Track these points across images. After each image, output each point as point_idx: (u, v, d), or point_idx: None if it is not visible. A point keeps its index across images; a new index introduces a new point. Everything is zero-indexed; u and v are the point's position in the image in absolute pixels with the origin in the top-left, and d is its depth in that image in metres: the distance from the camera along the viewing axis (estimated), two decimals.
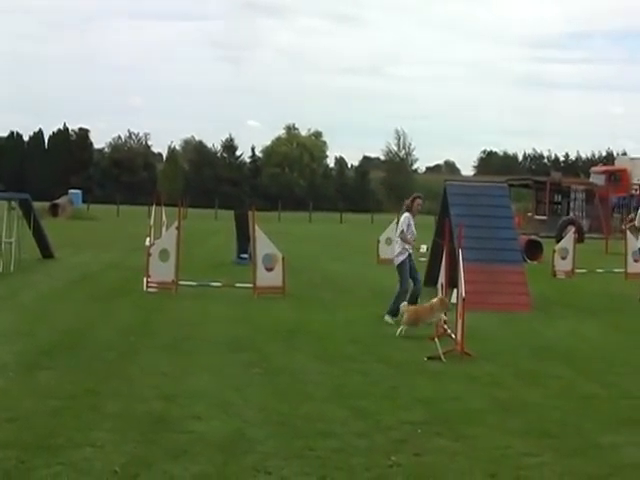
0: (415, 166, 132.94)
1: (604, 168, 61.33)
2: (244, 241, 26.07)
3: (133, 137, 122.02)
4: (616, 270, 26.65)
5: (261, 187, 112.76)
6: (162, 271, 19.15)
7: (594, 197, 51.08)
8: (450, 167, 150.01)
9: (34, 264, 24.58)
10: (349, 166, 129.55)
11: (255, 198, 76.08)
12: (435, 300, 14.36)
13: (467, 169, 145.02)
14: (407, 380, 11.05)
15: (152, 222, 26.36)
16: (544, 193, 53.48)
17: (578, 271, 26.49)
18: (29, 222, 25.47)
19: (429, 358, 12.37)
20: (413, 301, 15.63)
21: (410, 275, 16.04)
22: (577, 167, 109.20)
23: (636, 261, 25.72)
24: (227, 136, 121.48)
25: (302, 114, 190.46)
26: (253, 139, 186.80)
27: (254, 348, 12.90)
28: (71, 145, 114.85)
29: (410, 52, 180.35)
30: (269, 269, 19.12)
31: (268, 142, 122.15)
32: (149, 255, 19.33)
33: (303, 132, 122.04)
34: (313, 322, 15.59)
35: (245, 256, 25.79)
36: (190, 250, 26.44)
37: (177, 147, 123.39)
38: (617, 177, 54.68)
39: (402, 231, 15.97)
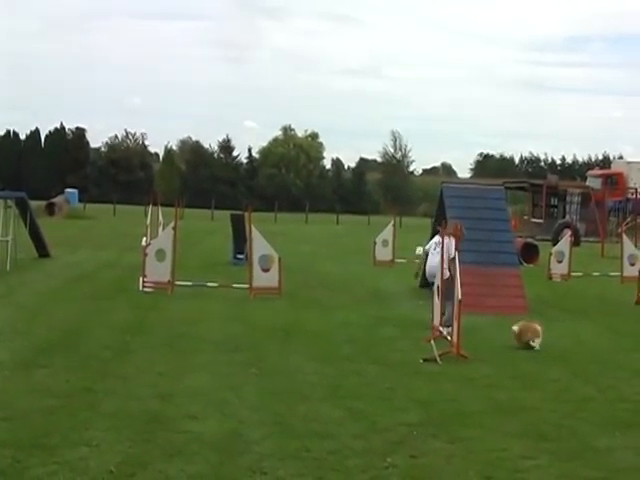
0: (412, 168, 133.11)
1: (600, 172, 61.35)
2: (240, 241, 26.06)
3: (130, 137, 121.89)
4: (612, 274, 26.64)
5: (258, 188, 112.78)
6: (158, 271, 19.13)
7: (590, 200, 51.03)
8: (447, 169, 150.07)
9: (30, 263, 24.55)
10: (346, 167, 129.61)
11: (251, 198, 76.24)
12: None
13: (464, 172, 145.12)
14: (403, 381, 11.06)
15: (149, 222, 26.29)
16: (540, 196, 53.45)
17: (574, 274, 26.50)
18: (25, 221, 25.43)
19: (425, 360, 12.37)
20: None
21: None
22: (574, 170, 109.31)
23: (632, 265, 25.71)
24: (224, 136, 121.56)
25: (299, 115, 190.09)
26: (250, 140, 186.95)
27: (250, 348, 12.90)
28: (68, 144, 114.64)
29: (408, 54, 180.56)
30: (265, 270, 19.12)
31: (265, 143, 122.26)
32: (145, 255, 19.31)
33: (300, 133, 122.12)
34: (309, 323, 15.60)
35: (241, 256, 25.78)
36: (186, 250, 26.46)
37: (174, 147, 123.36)
38: (613, 181, 54.68)
39: None
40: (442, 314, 14.13)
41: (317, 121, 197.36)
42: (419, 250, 23.05)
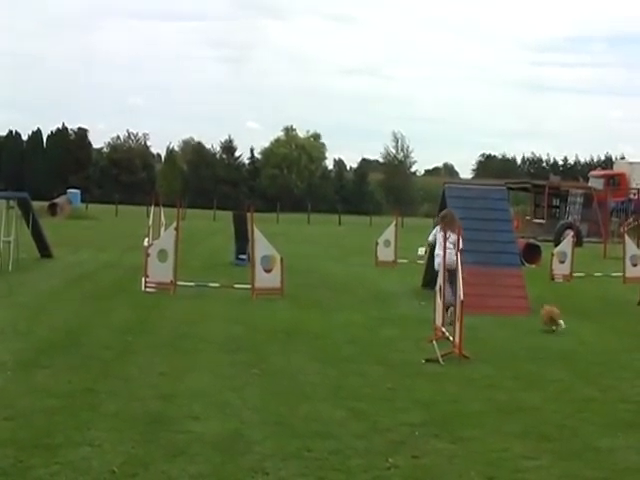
0: (414, 169, 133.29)
1: (603, 172, 61.32)
2: (243, 242, 26.07)
3: (132, 137, 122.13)
4: (614, 274, 26.63)
5: (260, 188, 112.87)
6: (160, 271, 19.14)
7: (592, 201, 51.01)
8: (449, 170, 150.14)
9: (32, 263, 24.55)
10: (348, 168, 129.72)
11: (254, 199, 76.26)
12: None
13: (466, 172, 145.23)
14: (405, 382, 11.05)
15: (151, 222, 26.33)
16: (543, 197, 53.45)
17: (576, 275, 26.49)
18: (28, 221, 25.45)
19: (427, 360, 12.37)
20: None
21: None
22: (576, 171, 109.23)
23: (634, 265, 25.70)
24: (226, 137, 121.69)
25: (301, 115, 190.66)
26: (252, 140, 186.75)
27: (252, 349, 12.90)
28: (70, 145, 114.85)
29: (410, 53, 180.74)
30: (267, 270, 19.11)
31: (267, 143, 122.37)
32: (147, 255, 19.32)
33: (302, 134, 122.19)
34: (311, 323, 15.60)
35: (244, 257, 25.79)
36: (188, 251, 26.45)
37: (176, 148, 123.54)
38: (615, 181, 54.63)
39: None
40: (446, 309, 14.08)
41: (319, 121, 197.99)
42: (421, 251, 23.07)
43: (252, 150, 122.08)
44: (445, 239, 15.58)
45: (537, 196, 54.85)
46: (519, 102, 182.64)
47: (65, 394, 9.64)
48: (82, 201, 72.68)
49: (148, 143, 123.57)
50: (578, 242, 34.86)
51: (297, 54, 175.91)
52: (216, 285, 19.78)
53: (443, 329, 13.78)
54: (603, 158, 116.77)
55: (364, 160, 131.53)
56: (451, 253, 15.47)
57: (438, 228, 17.39)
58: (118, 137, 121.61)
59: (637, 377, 12.04)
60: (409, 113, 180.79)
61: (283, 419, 8.99)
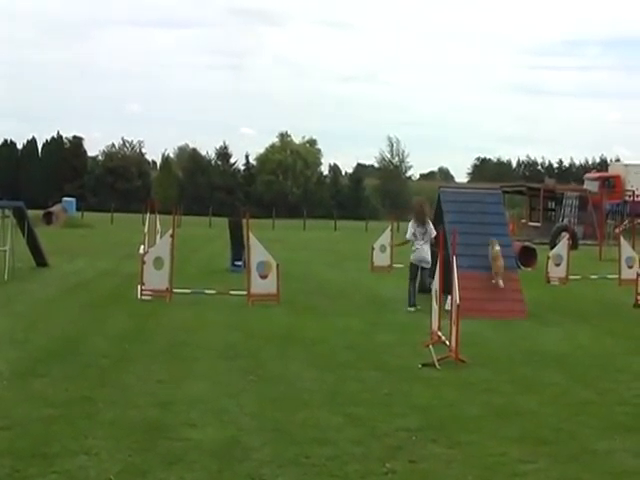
0: (409, 173, 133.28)
1: (598, 175, 61.40)
2: (238, 248, 26.07)
3: (127, 145, 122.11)
4: (610, 276, 26.65)
5: (255, 194, 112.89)
6: (156, 279, 19.13)
7: (588, 204, 51.11)
8: (444, 174, 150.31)
9: (28, 272, 24.54)
10: (343, 173, 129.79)
11: (249, 205, 76.21)
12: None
13: (461, 176, 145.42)
14: (402, 387, 11.05)
15: (146, 230, 26.31)
16: (538, 200, 53.59)
17: (572, 278, 26.49)
18: (23, 230, 25.43)
19: (424, 365, 12.37)
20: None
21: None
22: (571, 174, 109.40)
23: (630, 267, 25.71)
24: (221, 143, 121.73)
25: (296, 121, 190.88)
26: (247, 147, 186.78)
27: (249, 355, 12.90)
28: (65, 153, 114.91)
29: (404, 59, 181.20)
30: (263, 276, 19.11)
31: (262, 150, 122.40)
32: (143, 263, 19.31)
33: (297, 140, 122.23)
34: (307, 329, 15.59)
35: (239, 263, 25.79)
36: (184, 257, 26.46)
37: (171, 155, 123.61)
38: (611, 184, 54.72)
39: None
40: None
41: (314, 127, 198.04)
42: None
43: (247, 156, 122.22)
44: (416, 233, 19.22)
45: (532, 199, 54.98)
46: (514, 105, 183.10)
47: (62, 403, 9.64)
48: (78, 209, 72.76)
49: (143, 150, 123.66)
50: (574, 245, 34.86)
51: (292, 60, 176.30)
52: (212, 292, 19.77)
53: (439, 333, 13.78)
54: (598, 160, 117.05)
55: (359, 165, 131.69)
56: (423, 249, 19.12)
57: (412, 222, 19.53)
58: (113, 145, 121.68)
59: (634, 380, 12.05)
60: (404, 118, 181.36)
61: (280, 425, 8.99)
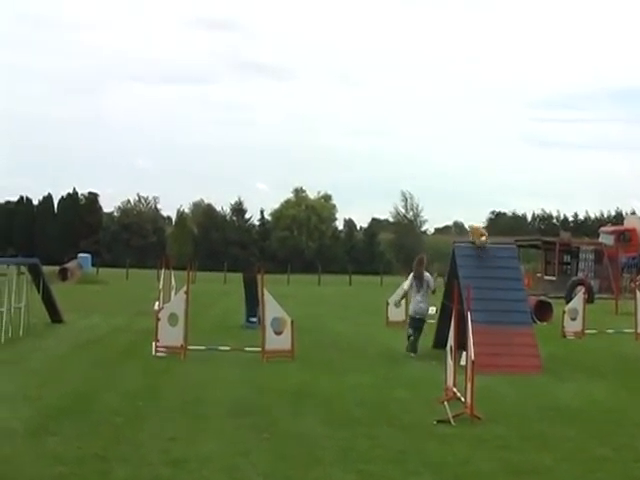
0: (424, 227, 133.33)
1: (613, 228, 61.18)
2: (253, 304, 26.06)
3: (142, 201, 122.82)
4: (626, 330, 26.52)
5: (270, 250, 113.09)
6: (171, 335, 19.12)
7: (603, 257, 50.94)
8: (459, 228, 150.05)
9: (43, 328, 24.60)
10: (358, 228, 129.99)
11: (264, 261, 76.32)
12: None
13: None
14: (416, 444, 10.97)
15: (161, 286, 26.37)
16: (553, 253, 53.41)
17: (588, 332, 26.36)
18: (38, 287, 25.54)
19: (438, 421, 12.29)
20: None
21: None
22: (586, 227, 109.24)
23: None
24: (236, 199, 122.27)
25: (310, 176, 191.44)
26: (262, 202, 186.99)
27: (262, 412, 12.84)
28: (80, 209, 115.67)
29: (418, 113, 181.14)
30: (278, 333, 19.08)
31: (277, 205, 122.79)
32: (158, 319, 19.32)
33: (312, 195, 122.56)
34: (321, 385, 15.53)
35: (254, 320, 25.77)
36: (199, 314, 26.46)
37: (186, 210, 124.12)
38: (626, 237, 54.50)
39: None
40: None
41: (328, 181, 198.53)
42: (432, 310, 23.03)
43: (262, 212, 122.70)
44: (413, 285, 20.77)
45: (548, 253, 54.77)
46: (527, 158, 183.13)
47: (75, 461, 9.61)
48: (93, 265, 73.00)
49: (158, 206, 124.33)
50: (589, 298, 34.73)
51: (304, 115, 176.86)
52: (227, 348, 19.74)
53: (454, 389, 13.71)
54: (613, 213, 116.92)
55: (374, 220, 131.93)
56: (420, 302, 20.58)
57: (411, 276, 20.99)
58: (128, 201, 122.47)
59: None
60: (418, 171, 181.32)
61: None
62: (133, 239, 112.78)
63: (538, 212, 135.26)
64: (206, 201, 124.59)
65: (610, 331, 27.26)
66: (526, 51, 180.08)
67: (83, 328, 25.23)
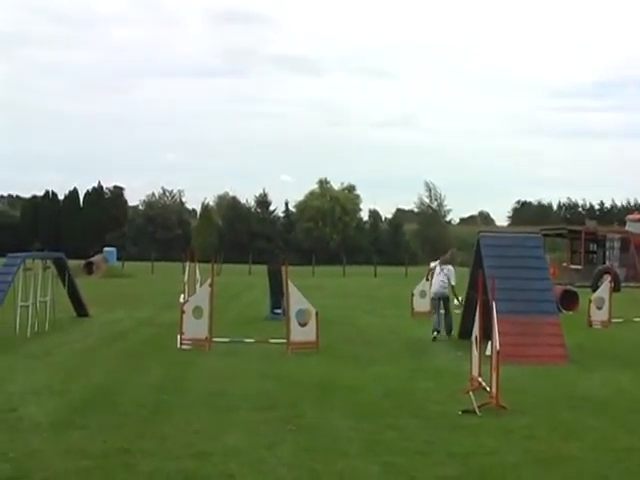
0: (449, 217, 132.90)
1: (639, 216, 60.88)
2: (278, 296, 26.07)
3: (167, 194, 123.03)
4: None
5: (295, 242, 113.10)
6: (196, 328, 19.15)
7: (630, 245, 50.60)
8: (484, 218, 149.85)
9: (69, 322, 24.71)
10: (383, 219, 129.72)
11: (289, 253, 76.37)
12: None
13: (501, 219, 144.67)
14: (441, 435, 10.93)
15: (186, 279, 26.42)
16: (579, 242, 53.14)
17: (614, 321, 26.24)
18: (64, 281, 25.64)
19: (464, 412, 12.25)
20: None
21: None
22: (612, 215, 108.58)
23: None
24: (260, 191, 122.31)
25: (335, 168, 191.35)
26: (286, 194, 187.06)
27: (287, 404, 12.83)
28: (106, 203, 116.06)
29: (442, 104, 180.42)
30: (302, 324, 19.07)
31: (301, 196, 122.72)
32: (183, 312, 19.35)
33: (336, 186, 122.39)
34: (346, 377, 15.49)
35: (279, 311, 25.78)
36: (224, 306, 26.48)
37: (211, 203, 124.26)
38: None
39: None
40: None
41: (353, 173, 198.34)
42: (456, 301, 22.99)
43: (287, 203, 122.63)
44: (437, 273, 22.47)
45: (573, 242, 54.50)
46: (553, 148, 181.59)
47: (100, 454, 9.63)
48: (118, 259, 73.23)
49: (183, 199, 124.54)
50: (616, 287, 34.52)
51: (329, 107, 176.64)
52: (251, 340, 19.76)
53: (480, 379, 13.65)
54: None
55: (399, 210, 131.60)
56: (442, 283, 22.27)
57: (438, 262, 22.90)
58: (153, 194, 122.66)
59: None
60: (442, 162, 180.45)
61: (318, 476, 8.91)
62: (158, 232, 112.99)
63: (564, 201, 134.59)
64: (231, 194, 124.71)
65: (637, 320, 27.15)
66: (550, 41, 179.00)
67: (108, 322, 25.32)
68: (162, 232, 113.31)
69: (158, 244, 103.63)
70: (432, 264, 23.75)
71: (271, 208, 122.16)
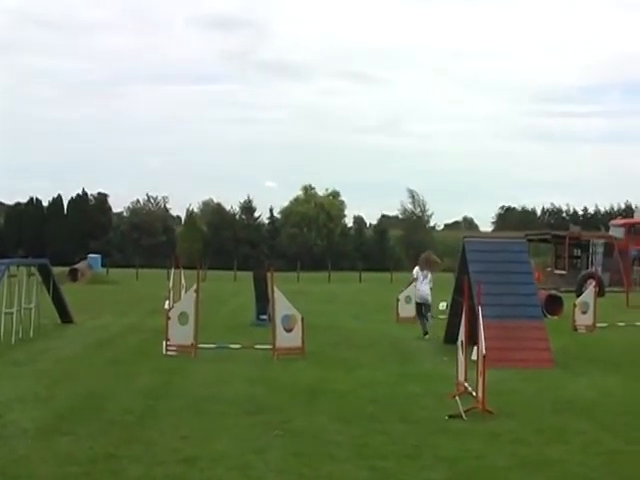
0: (433, 223, 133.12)
1: (623, 221, 61.08)
2: (263, 302, 26.07)
3: (152, 200, 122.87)
4: (637, 323, 26.48)
5: (280, 248, 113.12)
6: (181, 334, 19.11)
7: (614, 250, 50.78)
8: (469, 223, 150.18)
9: (53, 329, 24.64)
10: (368, 225, 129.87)
11: (274, 259, 76.38)
12: None
13: (486, 225, 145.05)
14: (429, 439, 10.95)
15: (171, 285, 26.39)
16: (563, 247, 53.32)
17: (599, 325, 26.31)
18: (48, 287, 25.57)
19: (450, 416, 12.27)
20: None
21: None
22: (596, 220, 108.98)
23: None
24: (245, 197, 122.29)
25: (319, 174, 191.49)
26: (271, 200, 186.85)
27: (274, 409, 12.82)
28: (90, 210, 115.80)
29: (425, 109, 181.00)
30: (288, 330, 19.07)
31: (286, 203, 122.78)
32: (168, 318, 19.31)
33: (320, 192, 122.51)
34: (333, 382, 15.50)
35: (264, 317, 25.77)
36: (209, 312, 26.44)
37: (196, 209, 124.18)
38: (636, 229, 54.43)
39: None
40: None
41: (338, 179, 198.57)
42: (442, 306, 23.05)
43: (271, 210, 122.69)
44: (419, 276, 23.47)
45: (558, 247, 54.67)
46: (536, 153, 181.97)
47: (87, 460, 9.60)
48: (103, 265, 73.12)
49: (168, 206, 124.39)
50: (600, 292, 34.61)
51: (313, 112, 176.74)
52: (237, 346, 19.73)
53: (466, 384, 13.68)
54: (623, 207, 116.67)
55: (383, 216, 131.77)
56: (424, 288, 23.35)
57: (417, 268, 23.83)
58: (138, 201, 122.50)
59: None
60: (427, 167, 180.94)
61: None
62: (143, 239, 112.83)
63: (547, 206, 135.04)
64: (215, 200, 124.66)
65: (621, 324, 27.20)
66: (534, 45, 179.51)
67: (93, 328, 25.26)
68: (147, 239, 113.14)
69: (143, 250, 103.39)
70: (414, 273, 24.22)
71: (256, 214, 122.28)
